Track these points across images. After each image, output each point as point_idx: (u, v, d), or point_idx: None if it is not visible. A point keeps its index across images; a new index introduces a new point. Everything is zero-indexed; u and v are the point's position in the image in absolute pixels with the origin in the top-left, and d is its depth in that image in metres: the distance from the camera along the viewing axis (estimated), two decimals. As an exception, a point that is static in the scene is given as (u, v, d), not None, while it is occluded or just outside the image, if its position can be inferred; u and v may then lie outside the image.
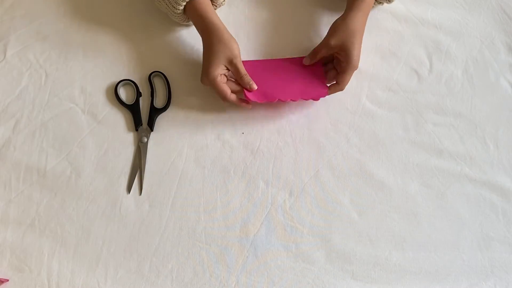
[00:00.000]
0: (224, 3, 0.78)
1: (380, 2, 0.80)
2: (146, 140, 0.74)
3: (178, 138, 0.76)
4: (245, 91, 0.72)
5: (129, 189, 0.72)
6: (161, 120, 0.77)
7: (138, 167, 0.73)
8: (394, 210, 0.73)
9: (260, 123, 0.76)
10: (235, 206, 0.72)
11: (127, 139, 0.75)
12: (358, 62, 0.71)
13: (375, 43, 0.81)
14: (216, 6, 0.76)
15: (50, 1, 0.81)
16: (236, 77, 0.72)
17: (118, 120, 0.76)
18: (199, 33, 0.72)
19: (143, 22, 0.82)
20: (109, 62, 0.79)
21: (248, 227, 0.71)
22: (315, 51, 0.73)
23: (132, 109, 0.76)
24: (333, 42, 0.70)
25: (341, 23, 0.71)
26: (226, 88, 0.71)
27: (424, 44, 0.82)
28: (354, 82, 0.79)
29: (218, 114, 0.77)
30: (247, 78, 0.71)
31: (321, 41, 0.73)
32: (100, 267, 0.69)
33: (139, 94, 0.76)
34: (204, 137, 0.76)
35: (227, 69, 0.71)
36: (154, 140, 0.75)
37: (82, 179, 0.73)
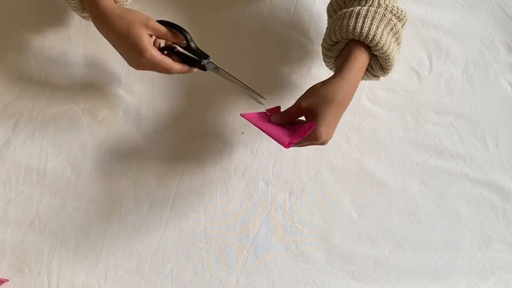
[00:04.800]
0: (128, 2, 0.69)
1: (376, 76, 0.69)
2: (219, 68, 0.67)
3: (178, 138, 0.76)
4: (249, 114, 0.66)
5: (259, 99, 0.67)
6: (161, 119, 0.77)
7: (241, 85, 0.67)
8: (394, 210, 0.73)
9: (260, 123, 0.76)
10: (235, 206, 0.72)
11: (128, 138, 0.75)
12: (327, 136, 0.60)
13: (375, 43, 0.81)
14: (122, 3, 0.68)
15: (50, 1, 0.81)
16: (160, 37, 0.64)
17: (118, 120, 0.76)
18: (97, 26, 0.65)
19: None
20: (109, 62, 0.79)
21: (248, 227, 0.71)
22: (287, 111, 0.63)
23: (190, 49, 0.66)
24: (304, 104, 0.61)
25: (319, 88, 0.61)
26: (169, 59, 0.63)
27: (424, 44, 0.82)
28: (354, 82, 0.79)
29: (218, 114, 0.77)
30: (170, 34, 0.64)
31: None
32: (100, 267, 0.69)
33: (187, 34, 0.66)
34: (204, 137, 0.76)
35: (151, 37, 0.63)
36: (155, 141, 0.75)
37: (82, 179, 0.73)
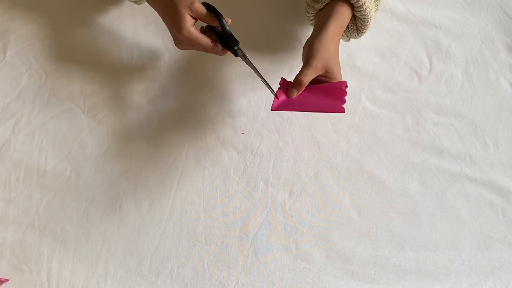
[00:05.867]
0: None
1: (348, 36, 0.75)
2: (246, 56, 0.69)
3: (178, 138, 0.76)
4: (275, 99, 0.67)
5: (273, 92, 0.68)
6: (161, 119, 0.77)
7: (262, 77, 0.68)
8: (394, 210, 0.73)
9: (260, 123, 0.76)
10: (235, 205, 0.72)
11: (128, 138, 0.75)
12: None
13: (375, 43, 0.81)
14: None
15: (50, 1, 0.81)
16: (204, 20, 0.67)
17: (118, 120, 0.76)
18: (149, 2, 0.69)
19: (142, 23, 0.81)
20: (110, 62, 0.79)
21: (248, 227, 0.71)
22: (301, 79, 0.65)
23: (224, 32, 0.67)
24: (319, 63, 0.65)
25: (319, 45, 0.66)
26: (205, 38, 0.66)
27: (424, 44, 0.82)
28: (354, 82, 0.79)
29: (218, 114, 0.77)
30: (215, 15, 0.66)
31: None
32: (100, 267, 0.69)
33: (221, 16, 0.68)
34: (204, 137, 0.76)
35: (194, 18, 0.66)
36: (155, 141, 0.75)
37: (82, 179, 0.73)
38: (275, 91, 0.67)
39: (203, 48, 0.67)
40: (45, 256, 0.69)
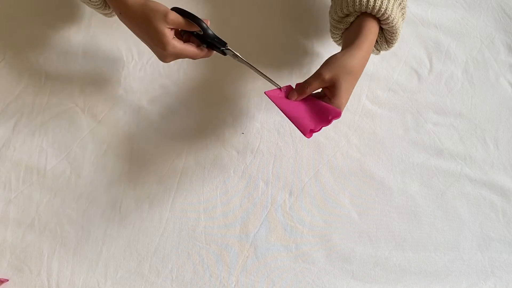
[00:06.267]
0: None
1: (379, 49, 0.73)
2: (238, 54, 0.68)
3: (178, 138, 0.76)
4: (277, 89, 0.66)
5: (277, 84, 0.67)
6: (161, 119, 0.77)
7: (259, 71, 0.67)
8: (394, 210, 0.73)
9: (260, 123, 0.77)
10: (235, 205, 0.72)
11: (128, 138, 0.75)
12: (344, 105, 0.65)
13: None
14: None
15: (50, 1, 0.81)
16: (183, 28, 0.64)
17: (118, 120, 0.76)
18: (123, 20, 0.66)
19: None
20: (110, 62, 0.79)
21: (248, 227, 0.71)
22: (305, 85, 0.64)
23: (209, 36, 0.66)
24: (327, 75, 0.62)
25: (340, 58, 0.63)
26: (191, 46, 0.64)
27: (424, 44, 0.82)
28: (354, 82, 0.79)
29: (218, 114, 0.77)
30: (193, 20, 0.63)
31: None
32: (100, 267, 0.69)
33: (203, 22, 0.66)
34: (204, 137, 0.76)
35: (172, 29, 0.63)
36: (155, 140, 0.75)
37: (82, 179, 0.73)
38: (281, 87, 0.66)
39: (191, 58, 0.66)
40: (45, 256, 0.69)
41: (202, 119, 0.76)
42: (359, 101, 0.78)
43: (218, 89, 0.78)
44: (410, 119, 0.78)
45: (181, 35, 0.67)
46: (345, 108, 0.77)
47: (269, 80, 0.67)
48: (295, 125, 0.64)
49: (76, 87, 0.77)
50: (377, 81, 0.80)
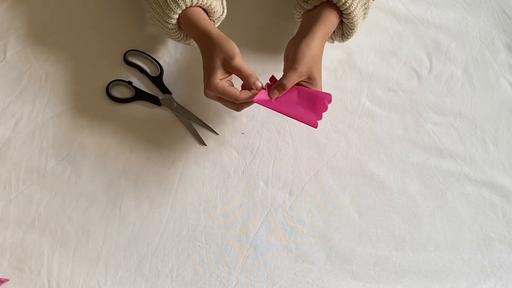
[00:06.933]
0: (223, 17, 0.72)
1: (332, 39, 0.74)
2: (175, 104, 0.75)
3: (178, 138, 0.76)
4: (262, 91, 0.66)
5: (201, 142, 0.72)
6: (161, 119, 0.77)
7: (188, 123, 0.74)
8: (394, 210, 0.73)
9: (260, 123, 0.77)
10: (235, 205, 0.72)
11: (128, 138, 0.75)
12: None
13: (375, 43, 0.81)
14: (214, 21, 0.71)
15: (50, 1, 0.81)
16: (241, 78, 0.65)
17: (118, 120, 0.76)
18: (197, 45, 0.68)
19: (143, 23, 0.81)
20: (110, 62, 0.79)
21: (248, 227, 0.71)
22: (284, 83, 0.64)
23: (156, 81, 0.77)
24: (304, 69, 0.64)
25: (306, 50, 0.64)
26: (233, 89, 0.64)
27: (424, 44, 0.82)
28: (354, 82, 0.79)
29: (218, 114, 0.77)
30: (253, 77, 0.64)
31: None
32: (100, 267, 0.69)
33: (159, 65, 0.77)
34: (204, 137, 0.76)
35: (228, 73, 0.65)
36: (155, 140, 0.75)
37: (82, 179, 0.73)
38: (264, 85, 0.66)
39: (232, 100, 0.65)
40: (45, 256, 0.69)
41: (202, 119, 0.76)
42: (359, 101, 0.78)
43: (218, 89, 0.78)
44: (410, 119, 0.78)
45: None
46: (345, 108, 0.78)
47: (206, 125, 0.74)
48: (300, 121, 0.65)
49: (76, 87, 0.77)
50: (377, 81, 0.80)
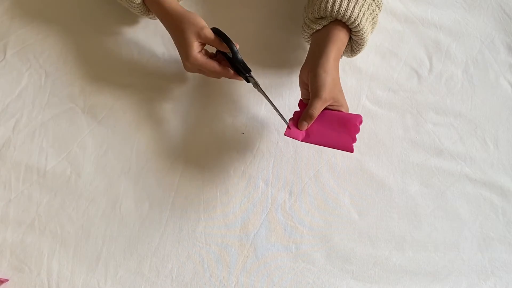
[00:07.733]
0: None
1: (342, 55, 0.73)
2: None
3: (178, 138, 0.76)
4: (291, 126, 0.67)
5: (284, 118, 0.69)
6: (161, 119, 0.77)
7: (273, 105, 0.70)
8: (394, 210, 0.73)
9: (260, 123, 0.76)
10: (235, 205, 0.72)
11: (128, 138, 0.75)
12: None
13: (375, 43, 0.81)
14: None
15: (50, 1, 0.81)
16: (213, 45, 0.68)
17: (118, 120, 0.76)
18: (162, 23, 0.71)
19: (142, 24, 0.81)
20: (110, 62, 0.79)
21: (248, 227, 0.71)
22: (311, 112, 0.65)
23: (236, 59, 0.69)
24: (328, 95, 0.65)
25: (325, 75, 0.64)
26: (212, 62, 0.68)
27: (424, 44, 0.82)
28: (354, 82, 0.79)
29: (218, 114, 0.77)
30: (225, 41, 0.67)
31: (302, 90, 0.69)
32: (100, 267, 0.69)
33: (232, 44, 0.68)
34: (204, 137, 0.76)
35: (202, 44, 0.68)
36: (155, 140, 0.75)
37: (82, 179, 0.73)
38: (288, 120, 0.68)
39: (212, 73, 0.69)
40: (45, 256, 0.69)
41: (202, 119, 0.76)
42: (359, 101, 0.78)
43: (218, 89, 0.78)
44: (410, 119, 0.78)
45: (215, 55, 0.71)
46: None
47: (279, 114, 0.70)
48: (337, 149, 0.66)
49: (76, 87, 0.77)
50: (377, 81, 0.80)
